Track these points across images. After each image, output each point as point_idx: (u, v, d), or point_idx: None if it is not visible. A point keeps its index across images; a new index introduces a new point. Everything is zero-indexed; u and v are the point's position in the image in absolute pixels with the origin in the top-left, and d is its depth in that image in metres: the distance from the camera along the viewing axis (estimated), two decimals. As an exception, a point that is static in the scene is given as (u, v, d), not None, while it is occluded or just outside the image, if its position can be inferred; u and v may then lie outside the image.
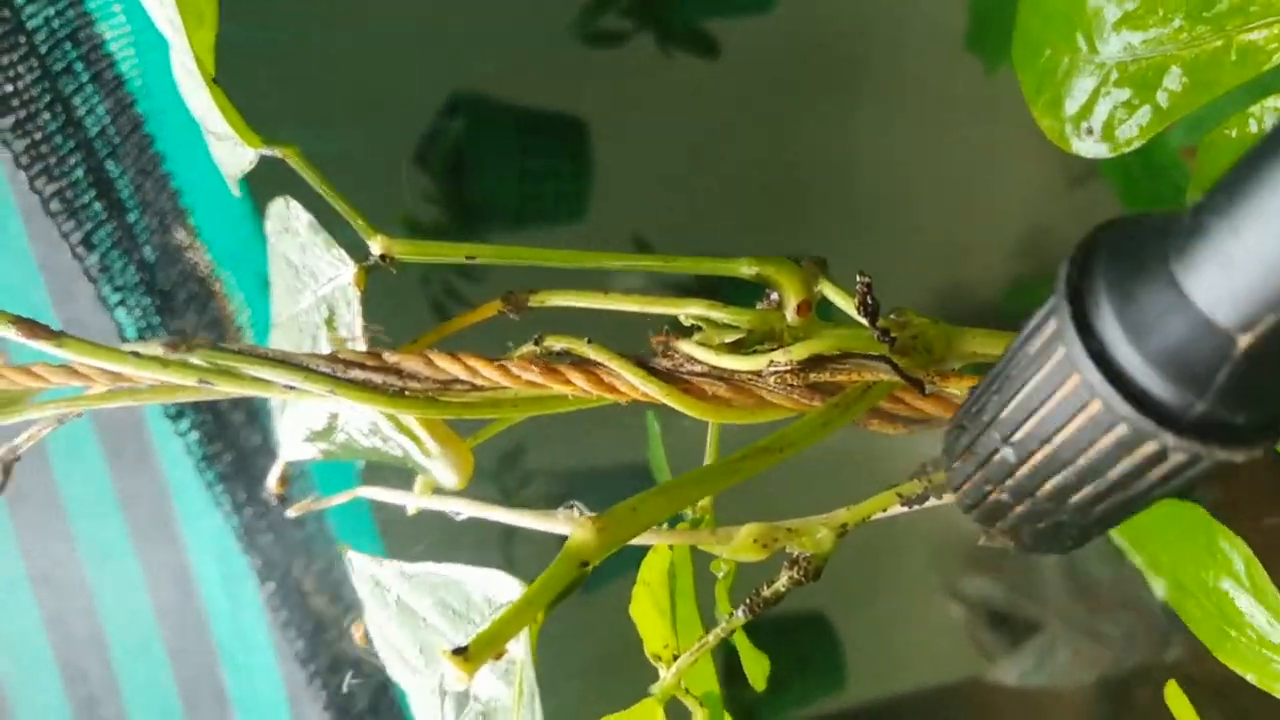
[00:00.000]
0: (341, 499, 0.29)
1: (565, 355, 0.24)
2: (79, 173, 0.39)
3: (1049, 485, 0.14)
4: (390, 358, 0.25)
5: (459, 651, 0.14)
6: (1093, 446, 0.13)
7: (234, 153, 0.28)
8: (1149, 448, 0.13)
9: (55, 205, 0.39)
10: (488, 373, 0.24)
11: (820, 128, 1.34)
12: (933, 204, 1.38)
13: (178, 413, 0.49)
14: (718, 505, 0.34)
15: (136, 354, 0.25)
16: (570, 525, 0.26)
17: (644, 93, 1.27)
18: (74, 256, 0.41)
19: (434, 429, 0.28)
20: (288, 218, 0.27)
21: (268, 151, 0.27)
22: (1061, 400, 0.13)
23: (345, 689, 0.55)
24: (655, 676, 0.32)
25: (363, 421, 0.30)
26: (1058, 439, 0.13)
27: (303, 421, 0.32)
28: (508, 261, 0.26)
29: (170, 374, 0.25)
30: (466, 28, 1.23)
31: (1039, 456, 0.14)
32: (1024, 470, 0.15)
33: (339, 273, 0.26)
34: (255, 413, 0.50)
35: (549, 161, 1.18)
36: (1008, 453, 0.14)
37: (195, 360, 0.26)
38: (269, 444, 0.51)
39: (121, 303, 0.43)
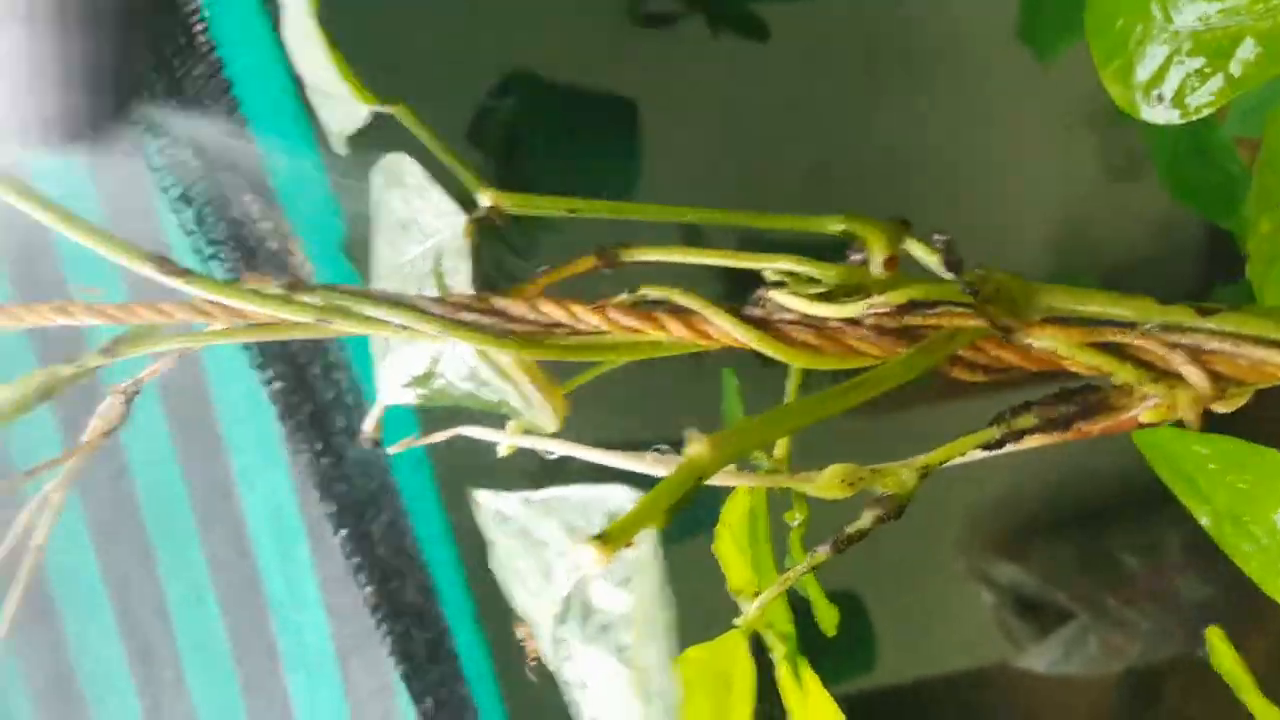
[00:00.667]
0: (442, 436, 0.30)
1: (660, 304, 0.26)
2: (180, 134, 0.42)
3: None
4: (497, 302, 0.27)
5: (597, 537, 0.16)
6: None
7: (345, 110, 0.30)
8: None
9: (157, 161, 0.42)
10: (588, 317, 0.26)
11: (867, 113, 1.34)
12: (979, 192, 1.38)
13: (263, 363, 0.52)
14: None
15: (258, 292, 0.27)
16: (660, 465, 0.28)
17: (693, 74, 1.28)
18: (172, 210, 0.43)
19: (533, 374, 0.30)
20: (400, 173, 0.29)
21: (380, 109, 0.29)
22: None
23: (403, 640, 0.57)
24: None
25: (461, 367, 0.32)
26: None
27: (403, 368, 0.34)
28: (606, 214, 0.28)
29: (291, 311, 0.27)
30: (517, 8, 1.24)
31: None
32: None
33: (449, 225, 0.28)
34: (331, 366, 0.53)
35: (598, 142, 1.20)
36: None
37: (313, 300, 0.28)
38: (342, 397, 0.53)
39: (214, 256, 0.45)
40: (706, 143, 1.26)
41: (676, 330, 0.25)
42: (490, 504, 0.25)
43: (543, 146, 1.19)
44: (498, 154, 1.24)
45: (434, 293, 0.30)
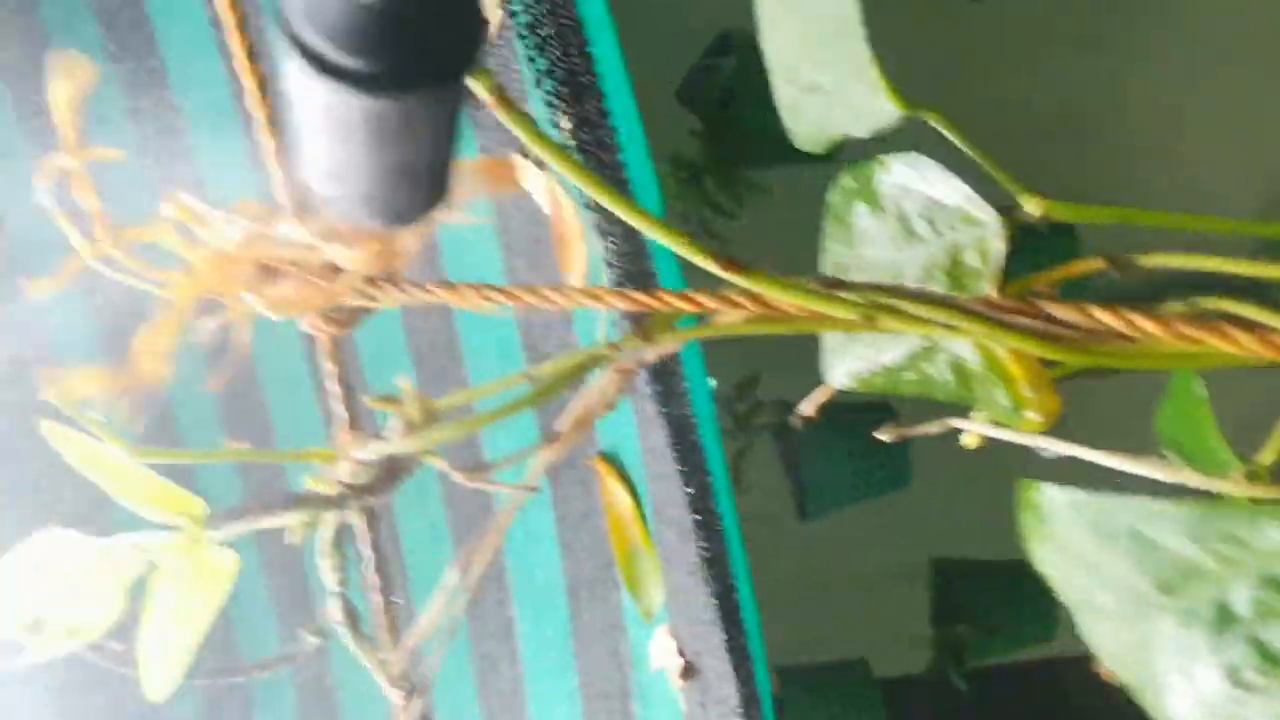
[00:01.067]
0: (930, 430, 0.32)
1: (1217, 315, 0.27)
2: (591, 110, 0.44)
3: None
4: (1045, 306, 0.28)
5: None
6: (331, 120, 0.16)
7: (860, 111, 0.31)
8: (329, 99, 0.15)
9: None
10: (1146, 325, 0.27)
11: (1088, 69, 1.29)
12: (1200, 151, 1.31)
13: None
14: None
15: (802, 286, 0.29)
16: (1164, 470, 0.29)
17: (910, 30, 1.25)
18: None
19: (1034, 375, 0.31)
20: (913, 174, 0.31)
21: (909, 114, 0.30)
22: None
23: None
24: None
25: (940, 361, 0.33)
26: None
27: (860, 356, 0.35)
28: (1148, 224, 0.28)
29: (832, 308, 0.29)
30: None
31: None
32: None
33: (974, 227, 0.30)
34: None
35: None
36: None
37: (853, 296, 0.29)
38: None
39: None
40: (922, 99, 1.24)
41: (1247, 344, 0.26)
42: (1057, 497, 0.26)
43: (760, 104, 1.18)
44: (708, 114, 1.25)
45: (936, 290, 0.32)
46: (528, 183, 0.91)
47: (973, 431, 0.32)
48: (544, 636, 1.04)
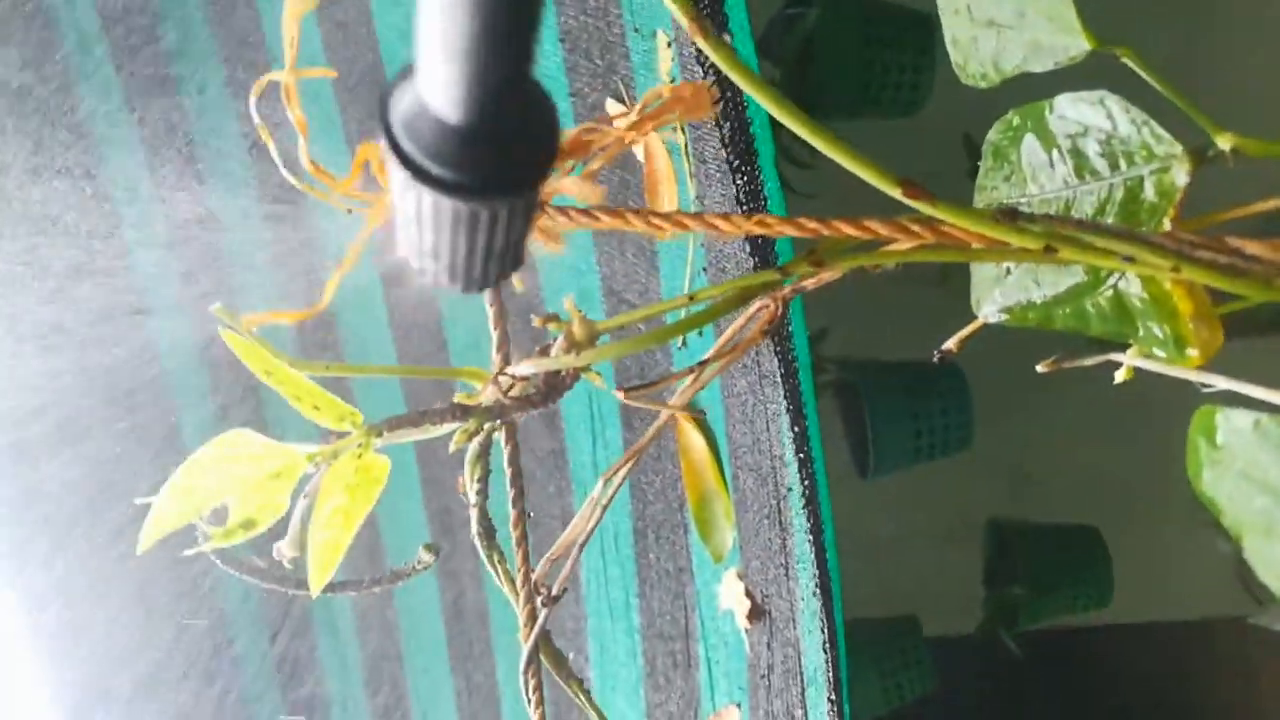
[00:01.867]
0: (1094, 361, 0.33)
1: None
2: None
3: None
4: (1232, 241, 0.28)
5: None
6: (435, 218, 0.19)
7: (1043, 47, 0.31)
8: (427, 199, 0.18)
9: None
10: (1338, 263, 0.27)
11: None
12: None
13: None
14: None
15: (985, 216, 0.30)
16: None
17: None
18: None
19: (1203, 310, 0.32)
20: (1097, 113, 0.31)
21: (1103, 50, 0.30)
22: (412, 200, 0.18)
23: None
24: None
25: (1101, 296, 0.34)
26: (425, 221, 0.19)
27: (1015, 291, 0.36)
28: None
29: (1013, 238, 0.30)
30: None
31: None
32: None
33: (1156, 161, 0.30)
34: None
35: (893, 54, 1.17)
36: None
37: (1035, 227, 0.30)
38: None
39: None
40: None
41: None
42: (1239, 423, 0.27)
43: (838, 57, 1.17)
44: (787, 64, 1.24)
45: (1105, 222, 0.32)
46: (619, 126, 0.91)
47: (1129, 365, 0.33)
48: (609, 576, 1.06)
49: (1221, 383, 0.31)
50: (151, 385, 1.03)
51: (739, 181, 0.51)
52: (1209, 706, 1.50)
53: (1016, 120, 0.34)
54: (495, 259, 0.20)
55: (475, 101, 0.16)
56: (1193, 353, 0.32)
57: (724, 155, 0.50)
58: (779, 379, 0.60)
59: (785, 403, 0.59)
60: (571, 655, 1.10)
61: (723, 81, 0.52)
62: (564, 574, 0.42)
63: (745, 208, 0.52)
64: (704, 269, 0.78)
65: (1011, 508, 1.36)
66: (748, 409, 0.77)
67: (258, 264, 0.91)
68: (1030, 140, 0.34)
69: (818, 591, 0.73)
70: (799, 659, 0.82)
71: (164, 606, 1.12)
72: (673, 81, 0.79)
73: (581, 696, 0.47)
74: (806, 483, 0.62)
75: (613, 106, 0.84)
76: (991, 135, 0.36)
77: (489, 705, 1.23)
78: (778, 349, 0.57)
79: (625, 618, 1.06)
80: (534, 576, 0.40)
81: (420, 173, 0.17)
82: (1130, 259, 0.29)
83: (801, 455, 0.60)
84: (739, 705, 0.93)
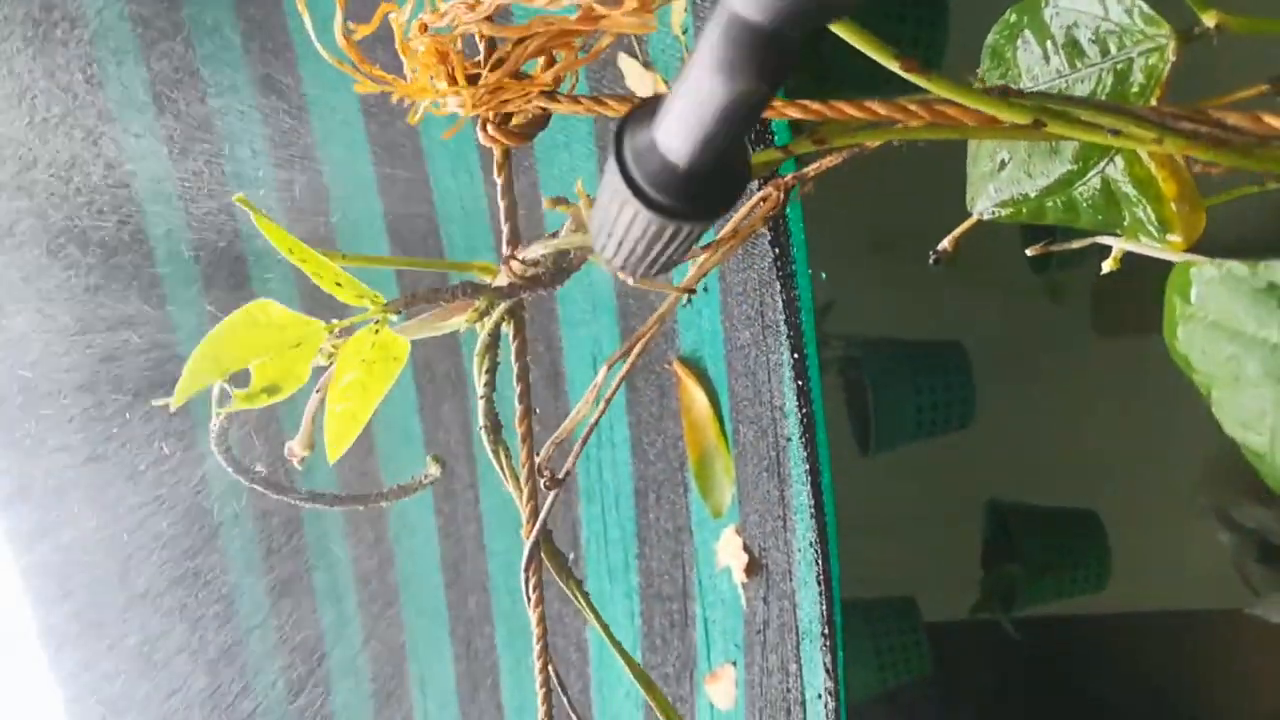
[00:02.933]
0: (1084, 243, 0.34)
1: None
2: None
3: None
4: (1215, 113, 0.29)
5: None
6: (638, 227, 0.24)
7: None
8: (642, 215, 0.24)
9: None
10: (1314, 132, 0.28)
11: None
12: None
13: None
14: None
15: (976, 90, 0.31)
16: None
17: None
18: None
19: (1185, 192, 0.33)
20: (1090, 1, 0.32)
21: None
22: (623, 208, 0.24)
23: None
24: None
25: (1089, 185, 0.35)
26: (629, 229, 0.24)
27: (1007, 185, 0.37)
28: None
29: (1004, 112, 0.31)
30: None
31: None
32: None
33: (1145, 41, 0.31)
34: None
35: (906, 27, 1.19)
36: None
37: (1025, 102, 0.31)
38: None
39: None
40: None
41: None
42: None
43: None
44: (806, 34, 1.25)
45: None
46: (631, 80, 0.93)
47: (1118, 248, 0.34)
48: (609, 537, 1.08)
49: (1203, 262, 0.32)
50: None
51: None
52: (1205, 696, 1.51)
53: (1014, 18, 0.36)
54: (664, 263, 0.26)
55: (698, 159, 0.23)
56: (1175, 238, 0.34)
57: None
58: (782, 328, 0.61)
59: (788, 351, 0.61)
60: (570, 616, 1.11)
61: None
62: (569, 464, 0.43)
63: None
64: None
65: (1011, 489, 1.37)
66: (750, 361, 0.78)
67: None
68: (1027, 35, 0.35)
69: (815, 541, 0.74)
70: (794, 611, 0.83)
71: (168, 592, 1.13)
72: (685, 34, 0.81)
73: (580, 598, 0.49)
74: (806, 432, 0.63)
75: (625, 61, 0.86)
76: (990, 37, 0.37)
77: (488, 670, 1.24)
78: (783, 295, 0.58)
79: (624, 579, 1.07)
80: (538, 461, 0.41)
81: (642, 195, 0.23)
82: (1116, 132, 0.30)
83: (801, 404, 0.61)
84: (734, 664, 0.94)
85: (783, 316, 0.66)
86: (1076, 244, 0.35)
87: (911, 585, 1.41)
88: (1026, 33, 0.35)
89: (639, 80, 0.85)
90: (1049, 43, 0.34)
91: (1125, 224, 0.34)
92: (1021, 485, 1.38)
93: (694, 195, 0.23)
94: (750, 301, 0.75)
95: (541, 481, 0.41)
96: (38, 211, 0.99)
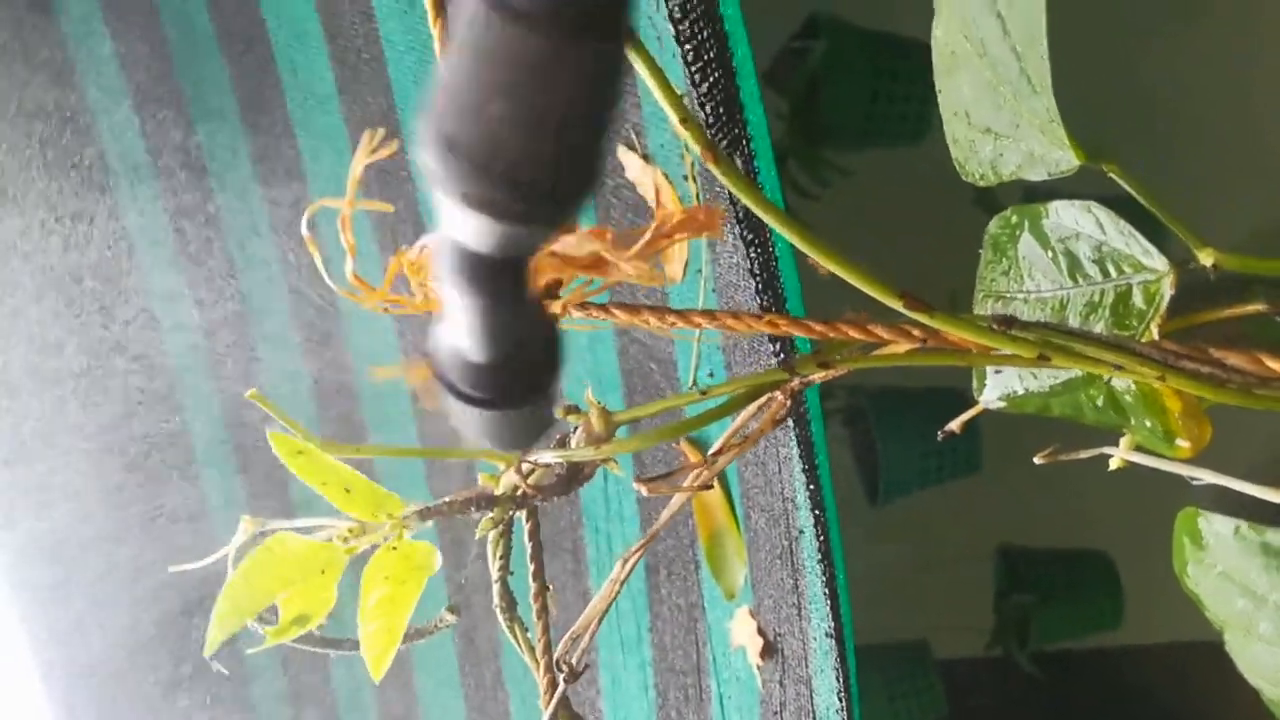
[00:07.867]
0: (1083, 455, 0.34)
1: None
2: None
3: None
4: (1214, 351, 0.30)
5: None
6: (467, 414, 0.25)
7: (1037, 159, 0.33)
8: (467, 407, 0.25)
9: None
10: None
11: (1164, 46, 1.28)
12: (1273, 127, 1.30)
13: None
14: None
15: (977, 324, 0.31)
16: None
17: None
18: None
19: (1190, 408, 0.33)
20: (1088, 220, 0.32)
21: (1090, 165, 0.32)
22: None
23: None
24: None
25: (1095, 391, 0.35)
26: None
27: (1015, 381, 0.37)
28: (1318, 277, 0.30)
29: (1008, 345, 0.31)
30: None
31: None
32: None
33: (1144, 272, 0.31)
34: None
35: (899, 85, 1.19)
36: None
37: (1028, 335, 0.31)
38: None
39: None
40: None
41: None
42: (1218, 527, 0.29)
43: (846, 87, 1.19)
44: (795, 97, 1.26)
45: (1093, 328, 0.34)
46: (631, 173, 0.93)
47: (1121, 457, 0.34)
48: (620, 609, 1.08)
49: (1209, 477, 0.33)
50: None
51: (753, 253, 0.52)
52: (1220, 726, 1.50)
53: (1015, 218, 0.36)
54: (515, 438, 0.27)
55: (489, 352, 0.24)
56: (1183, 444, 0.34)
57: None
58: (790, 424, 0.61)
59: (797, 448, 0.61)
60: (583, 687, 1.11)
61: (729, 115, 0.54)
62: (583, 647, 0.43)
63: (749, 246, 0.54)
64: (714, 289, 0.80)
65: (1021, 533, 1.37)
66: (759, 451, 0.78)
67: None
68: (1027, 239, 0.35)
69: (831, 634, 0.75)
70: (811, 698, 0.83)
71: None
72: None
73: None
74: (821, 533, 0.63)
75: (624, 155, 0.86)
76: (991, 228, 0.38)
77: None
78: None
79: (637, 651, 1.08)
80: (555, 655, 0.42)
81: (453, 390, 0.25)
82: (1119, 367, 0.30)
83: (814, 503, 0.62)
84: (752, 739, 0.94)
85: (791, 415, 0.66)
86: (1084, 454, 0.35)
87: (925, 631, 1.41)
88: (1027, 236, 0.35)
89: (639, 174, 0.86)
90: (1049, 251, 0.35)
91: (1131, 427, 0.35)
92: (1031, 529, 1.38)
93: (495, 385, 0.25)
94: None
95: (560, 676, 0.41)
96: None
